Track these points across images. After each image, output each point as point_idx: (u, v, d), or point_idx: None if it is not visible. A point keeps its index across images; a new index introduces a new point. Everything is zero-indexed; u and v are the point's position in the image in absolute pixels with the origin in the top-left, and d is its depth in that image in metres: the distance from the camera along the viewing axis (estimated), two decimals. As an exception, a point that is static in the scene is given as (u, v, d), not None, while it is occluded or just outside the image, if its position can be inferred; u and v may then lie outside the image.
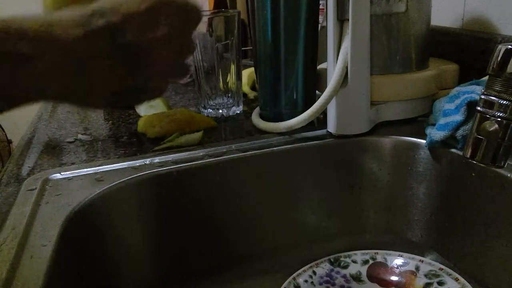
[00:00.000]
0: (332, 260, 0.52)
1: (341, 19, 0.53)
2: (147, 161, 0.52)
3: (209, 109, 0.68)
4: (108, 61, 0.29)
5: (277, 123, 0.58)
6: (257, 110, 0.65)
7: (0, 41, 0.25)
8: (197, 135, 0.58)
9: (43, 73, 0.27)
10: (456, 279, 0.47)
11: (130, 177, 0.49)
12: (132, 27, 0.29)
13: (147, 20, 0.29)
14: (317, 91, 0.62)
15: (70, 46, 0.27)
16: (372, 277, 0.50)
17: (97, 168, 0.51)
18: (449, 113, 0.49)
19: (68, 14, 0.28)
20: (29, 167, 0.53)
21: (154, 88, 0.33)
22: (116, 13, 0.29)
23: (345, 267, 0.51)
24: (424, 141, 0.52)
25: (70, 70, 0.28)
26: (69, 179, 0.49)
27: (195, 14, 0.33)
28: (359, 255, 0.52)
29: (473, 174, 0.47)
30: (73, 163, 0.53)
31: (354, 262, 0.52)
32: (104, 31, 0.28)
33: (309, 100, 0.58)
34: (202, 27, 0.65)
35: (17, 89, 0.27)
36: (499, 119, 0.37)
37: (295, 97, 0.60)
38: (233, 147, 0.55)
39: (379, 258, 0.52)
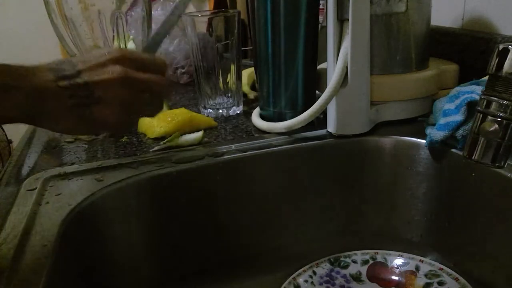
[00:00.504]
0: (332, 260, 0.52)
1: (341, 19, 0.53)
2: (147, 161, 0.52)
3: (209, 109, 0.68)
4: (67, 93, 0.37)
5: (277, 123, 0.58)
6: (257, 110, 0.65)
7: None
8: (197, 135, 0.58)
9: (20, 100, 0.35)
10: (456, 279, 0.47)
11: (130, 177, 0.49)
12: (88, 73, 0.38)
13: (103, 67, 0.39)
14: (317, 91, 0.62)
15: (42, 84, 0.36)
16: (372, 277, 0.50)
17: (97, 168, 0.51)
18: (449, 113, 0.49)
19: (45, 63, 0.38)
20: (29, 167, 0.53)
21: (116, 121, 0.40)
22: (82, 62, 0.39)
23: (345, 267, 0.51)
24: (424, 141, 0.52)
25: (40, 101, 0.36)
26: (69, 179, 0.49)
27: (159, 64, 0.42)
28: (359, 255, 0.52)
29: (473, 174, 0.47)
30: (73, 163, 0.53)
31: (354, 262, 0.52)
32: (69, 76, 0.37)
33: (309, 100, 0.58)
34: (202, 27, 0.65)
35: None
36: (499, 119, 0.37)
37: (295, 97, 0.60)
38: (233, 147, 0.55)
39: (379, 258, 0.52)
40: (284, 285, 0.48)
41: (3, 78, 0.35)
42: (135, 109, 0.41)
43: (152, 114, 0.44)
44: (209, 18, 0.64)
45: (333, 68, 0.54)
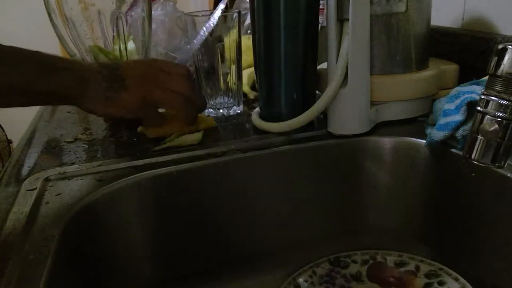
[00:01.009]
0: (332, 260, 0.52)
1: (341, 19, 0.53)
2: (147, 161, 0.52)
3: (209, 109, 0.68)
4: (105, 79, 0.51)
5: (277, 123, 0.58)
6: (257, 110, 0.65)
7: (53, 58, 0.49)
8: (197, 135, 0.58)
9: (71, 78, 0.48)
10: (456, 279, 0.47)
11: (130, 177, 0.49)
12: (124, 69, 0.52)
13: (135, 67, 0.54)
14: (317, 91, 0.62)
15: (88, 70, 0.50)
16: (372, 277, 0.50)
17: (97, 168, 0.51)
18: (449, 113, 0.49)
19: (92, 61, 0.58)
20: (29, 167, 0.53)
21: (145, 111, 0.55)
22: (123, 62, 0.55)
23: (345, 267, 0.52)
24: (424, 141, 0.52)
25: (84, 82, 0.49)
26: (69, 179, 0.49)
27: (182, 69, 0.56)
28: (359, 255, 0.52)
29: (473, 174, 0.47)
30: (73, 163, 0.53)
31: (354, 262, 0.52)
32: (111, 68, 0.52)
33: (309, 100, 0.58)
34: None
35: (51, 88, 0.48)
36: (499, 119, 0.37)
37: (295, 97, 0.60)
38: (233, 147, 0.55)
39: (379, 258, 0.52)
40: (284, 285, 0.48)
41: (55, 60, 0.47)
42: (156, 100, 0.53)
43: (185, 116, 0.57)
44: (209, 18, 0.64)
45: (333, 68, 0.54)
